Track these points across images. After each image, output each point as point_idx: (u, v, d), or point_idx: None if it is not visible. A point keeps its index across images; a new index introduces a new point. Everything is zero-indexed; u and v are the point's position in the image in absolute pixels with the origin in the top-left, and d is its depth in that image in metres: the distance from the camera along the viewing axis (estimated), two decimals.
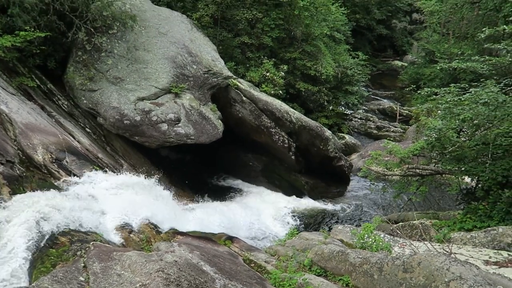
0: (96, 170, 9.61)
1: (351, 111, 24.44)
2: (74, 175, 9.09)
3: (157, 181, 10.50)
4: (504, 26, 7.00)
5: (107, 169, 10.09)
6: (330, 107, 20.65)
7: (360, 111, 25.76)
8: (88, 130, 11.22)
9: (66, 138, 9.76)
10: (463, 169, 8.83)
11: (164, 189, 11.09)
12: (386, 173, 11.69)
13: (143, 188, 9.83)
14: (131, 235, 7.89)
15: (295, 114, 14.22)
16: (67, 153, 9.28)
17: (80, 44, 11.10)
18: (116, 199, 8.78)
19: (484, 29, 7.24)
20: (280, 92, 16.26)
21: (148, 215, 8.68)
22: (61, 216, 7.10)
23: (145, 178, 10.60)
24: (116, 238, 7.69)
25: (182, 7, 15.35)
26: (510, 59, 7.09)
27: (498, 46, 7.43)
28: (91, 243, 5.79)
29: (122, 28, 11.60)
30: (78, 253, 5.75)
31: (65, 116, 10.93)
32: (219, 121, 12.17)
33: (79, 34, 10.56)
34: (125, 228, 8.00)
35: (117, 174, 10.17)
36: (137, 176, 10.44)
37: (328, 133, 14.87)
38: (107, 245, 6.34)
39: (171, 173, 13.10)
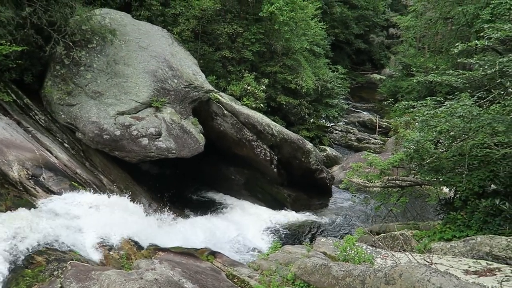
0: (74, 186, 9.40)
1: (331, 124, 24.74)
2: (52, 191, 8.85)
3: (137, 196, 10.34)
4: (476, 41, 7.26)
5: (86, 185, 9.88)
6: (311, 120, 20.87)
7: (341, 123, 26.10)
8: (66, 145, 10.99)
9: (43, 154, 9.53)
10: (441, 179, 9.00)
11: (144, 205, 10.94)
12: (367, 184, 11.82)
13: (123, 204, 9.65)
14: (111, 253, 7.70)
15: (277, 127, 14.30)
16: (44, 169, 9.05)
17: (58, 58, 10.94)
18: (95, 216, 8.59)
19: (457, 44, 7.50)
20: (262, 105, 16.35)
21: (128, 231, 8.51)
22: (37, 235, 6.90)
23: (126, 193, 10.44)
24: (95, 256, 7.50)
25: (162, 21, 15.36)
26: (482, 73, 7.34)
27: (471, 61, 7.70)
28: (69, 262, 5.63)
29: (101, 42, 11.51)
30: (55, 273, 5.57)
31: (42, 131, 10.69)
32: (201, 134, 12.12)
33: (57, 48, 10.42)
34: (104, 245, 7.82)
35: (96, 190, 9.97)
36: (117, 191, 10.26)
37: (309, 145, 15.00)
38: (86, 264, 6.17)
39: (152, 187, 12.93)
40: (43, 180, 8.91)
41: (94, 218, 8.41)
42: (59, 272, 5.36)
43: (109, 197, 9.70)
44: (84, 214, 8.48)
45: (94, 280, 4.84)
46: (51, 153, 9.99)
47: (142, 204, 10.85)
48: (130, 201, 10.24)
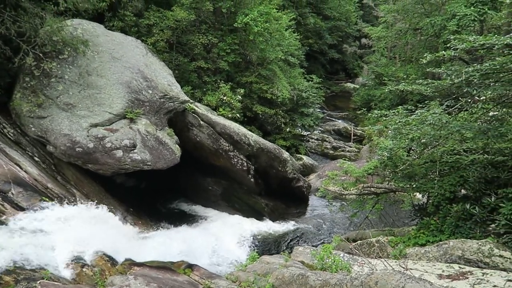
0: (45, 201, 9.10)
1: (307, 133, 24.98)
2: (21, 208, 8.55)
3: (112, 210, 10.11)
4: (443, 52, 7.52)
5: (57, 200, 9.58)
6: (287, 129, 21.03)
7: (316, 132, 26.40)
8: (36, 159, 10.66)
9: (11, 169, 9.20)
10: (414, 186, 9.21)
11: (119, 218, 10.70)
12: (343, 192, 11.97)
13: (97, 219, 9.42)
14: (84, 269, 7.48)
15: (253, 137, 14.33)
16: (12, 185, 8.73)
17: (28, 70, 10.66)
18: (68, 231, 8.34)
19: (426, 54, 7.75)
20: (238, 115, 16.38)
21: (102, 247, 8.30)
22: (5, 253, 6.63)
23: (99, 207, 10.19)
24: (68, 274, 7.27)
25: (136, 32, 15.23)
26: (450, 82, 7.60)
27: (439, 70, 7.97)
28: (39, 281, 5.42)
29: (73, 53, 11.29)
30: None
31: (11, 145, 10.34)
32: (177, 146, 12.00)
33: (27, 59, 10.14)
34: (77, 262, 7.59)
35: (69, 205, 9.70)
36: (90, 206, 9.99)
37: (286, 154, 15.08)
38: (56, 282, 5.96)
39: (127, 200, 12.66)
40: (11, 196, 8.60)
41: (66, 234, 8.17)
42: None
43: (82, 211, 9.45)
44: (56, 230, 8.23)
45: None
46: (20, 167, 9.66)
47: (117, 218, 10.61)
48: (104, 215, 10.01)
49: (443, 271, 6.33)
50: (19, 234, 7.52)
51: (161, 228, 12.06)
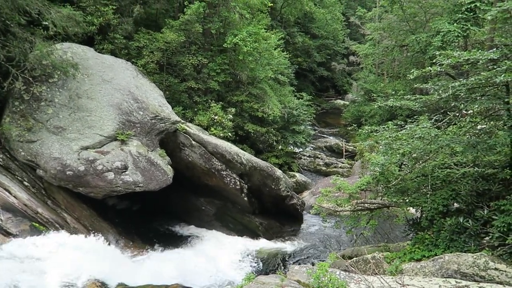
0: (35, 227, 8.94)
1: (299, 150, 25.05)
2: (10, 234, 8.38)
3: (104, 234, 9.95)
4: (430, 68, 7.68)
5: (48, 225, 9.42)
6: (279, 147, 21.08)
7: (308, 149, 26.48)
8: (26, 183, 10.50)
9: (0, 194, 9.06)
10: (407, 200, 9.25)
11: (111, 242, 10.54)
12: (337, 209, 11.95)
13: (88, 243, 9.26)
14: None
15: (246, 156, 14.32)
16: (1, 211, 8.59)
17: (17, 94, 10.61)
18: (59, 257, 8.20)
19: (412, 70, 7.90)
20: (229, 134, 16.40)
21: (94, 271, 8.16)
22: None
23: (91, 232, 10.03)
24: None
25: (126, 54, 15.30)
26: (438, 97, 7.74)
27: (426, 86, 8.12)
28: None
29: (63, 76, 11.28)
30: None
31: (0, 170, 10.20)
32: (169, 166, 11.94)
33: (16, 83, 10.11)
34: None
35: (60, 229, 9.53)
36: (82, 230, 9.84)
37: (279, 172, 15.06)
38: None
39: (119, 223, 12.48)
40: (0, 222, 8.44)
41: (57, 260, 8.02)
42: None
43: (73, 236, 9.28)
44: (47, 256, 8.08)
45: None
46: (9, 193, 9.52)
47: (109, 242, 10.44)
48: (96, 239, 9.85)
49: (439, 286, 6.31)
50: (8, 261, 7.34)
51: (154, 251, 11.87)
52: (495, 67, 6.94)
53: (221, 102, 17.42)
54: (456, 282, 6.42)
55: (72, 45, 12.35)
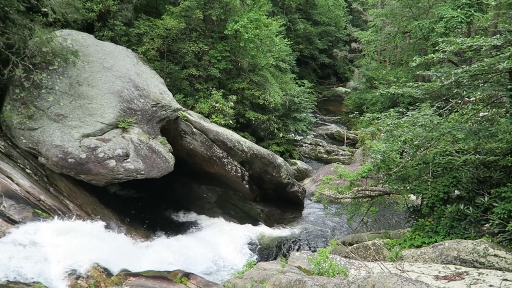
0: (38, 214, 8.99)
1: (301, 137, 25.04)
2: (13, 221, 8.44)
3: (106, 220, 10.01)
4: (432, 54, 7.61)
5: (50, 212, 9.48)
6: (280, 135, 21.07)
7: (310, 136, 26.47)
8: (28, 171, 10.55)
9: (3, 182, 9.10)
10: (408, 188, 9.26)
11: (114, 228, 10.61)
12: (338, 196, 11.99)
13: (91, 230, 9.33)
14: (79, 281, 7.39)
15: (247, 143, 14.33)
16: (4, 198, 8.63)
17: (18, 81, 10.58)
18: (62, 244, 8.25)
19: (415, 57, 7.83)
20: (231, 122, 16.38)
21: (97, 257, 8.21)
22: None
23: (93, 218, 10.10)
24: (62, 286, 7.18)
25: (127, 41, 15.20)
26: (440, 84, 7.68)
27: (429, 73, 8.06)
28: None
29: (63, 63, 11.23)
30: None
31: (2, 157, 10.22)
32: (170, 154, 11.96)
33: (16, 71, 10.07)
34: (71, 274, 7.50)
35: (62, 216, 9.59)
36: (84, 216, 9.90)
37: (280, 160, 15.08)
38: None
39: (121, 210, 12.56)
40: (3, 209, 8.49)
41: (60, 246, 8.08)
42: None
43: (75, 223, 9.35)
44: (49, 242, 8.13)
45: None
46: (12, 180, 9.56)
47: (111, 228, 10.52)
48: (99, 226, 9.91)
49: (439, 272, 6.35)
50: (11, 247, 7.41)
51: (156, 237, 11.97)
52: (498, 53, 6.87)
53: (222, 90, 17.36)
54: (456, 268, 6.46)
55: (72, 32, 12.26)
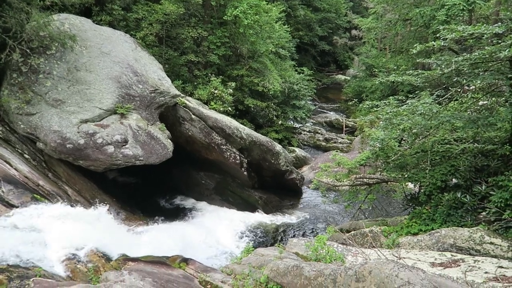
0: (37, 198, 9.02)
1: (299, 125, 25.03)
2: (12, 205, 8.46)
3: (105, 206, 10.05)
4: (433, 42, 7.55)
5: (49, 197, 9.51)
6: (279, 122, 21.04)
7: (308, 124, 26.45)
8: (26, 156, 10.54)
9: (1, 167, 9.10)
10: (406, 176, 9.29)
11: (113, 214, 10.65)
12: (336, 184, 12.03)
13: (90, 215, 9.36)
14: (78, 266, 7.45)
15: (245, 130, 14.31)
16: (3, 183, 8.64)
17: (15, 66, 10.49)
18: (61, 228, 8.29)
19: (415, 45, 7.77)
20: (229, 108, 16.33)
21: (96, 242, 8.26)
22: None
23: (92, 204, 10.13)
24: (62, 271, 7.23)
25: (125, 26, 15.03)
26: (440, 72, 7.65)
27: (429, 61, 8.02)
28: (32, 279, 5.38)
29: (61, 48, 11.12)
30: None
31: (0, 143, 10.21)
32: (169, 140, 11.94)
33: (14, 55, 9.98)
34: (71, 258, 7.55)
35: (61, 202, 9.62)
36: (83, 202, 9.93)
37: (278, 147, 15.09)
38: (50, 279, 5.92)
39: (120, 196, 12.60)
40: (2, 193, 8.50)
41: (59, 231, 8.11)
42: None
43: (74, 208, 9.38)
44: (49, 227, 8.17)
45: None
46: (10, 165, 9.56)
47: (110, 214, 10.55)
48: (98, 211, 9.95)
49: (435, 259, 6.42)
50: (11, 232, 7.44)
51: (155, 223, 12.03)
52: (499, 41, 6.82)
53: (221, 76, 17.26)
54: (452, 255, 6.53)
55: (70, 16, 12.12)
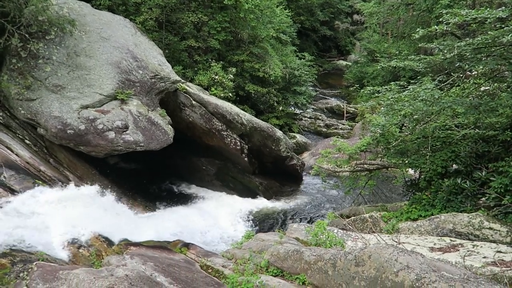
0: (38, 184, 9.06)
1: (300, 111, 24.95)
2: (14, 191, 8.51)
3: (106, 191, 10.11)
4: (436, 26, 7.45)
5: (51, 183, 9.55)
6: (280, 108, 20.98)
7: (309, 110, 26.37)
8: (27, 142, 10.55)
9: (2, 152, 9.12)
10: (406, 162, 9.29)
11: (114, 199, 10.72)
12: (336, 170, 12.06)
13: (92, 200, 9.43)
14: (80, 250, 7.53)
15: (246, 116, 14.28)
16: (4, 168, 8.67)
17: (14, 51, 10.42)
18: (63, 213, 8.37)
19: (418, 29, 7.67)
20: (230, 94, 16.26)
21: (98, 227, 8.35)
22: (1, 236, 6.63)
23: (93, 189, 10.19)
24: (64, 255, 7.32)
25: (124, 10, 14.87)
26: (442, 57, 7.56)
27: (431, 45, 7.92)
28: (35, 263, 5.45)
29: (60, 33, 11.03)
30: (21, 275, 5.40)
31: (1, 128, 10.21)
32: (169, 126, 11.93)
33: (12, 40, 9.90)
34: (73, 243, 7.63)
35: (63, 187, 9.67)
36: (84, 188, 9.99)
37: (279, 133, 15.09)
38: (53, 263, 6.00)
39: (121, 182, 12.66)
40: (4, 179, 8.55)
41: (61, 216, 8.19)
42: (25, 274, 5.19)
43: (76, 193, 9.44)
44: (51, 212, 8.24)
45: (62, 280, 4.71)
46: (11, 151, 9.58)
47: (111, 199, 10.63)
48: (99, 196, 10.02)
49: (434, 244, 6.47)
50: (13, 217, 7.51)
51: (156, 209, 12.13)
52: (502, 26, 6.73)
53: (221, 62, 17.14)
54: (451, 240, 6.58)
55: (68, 0, 11.97)
